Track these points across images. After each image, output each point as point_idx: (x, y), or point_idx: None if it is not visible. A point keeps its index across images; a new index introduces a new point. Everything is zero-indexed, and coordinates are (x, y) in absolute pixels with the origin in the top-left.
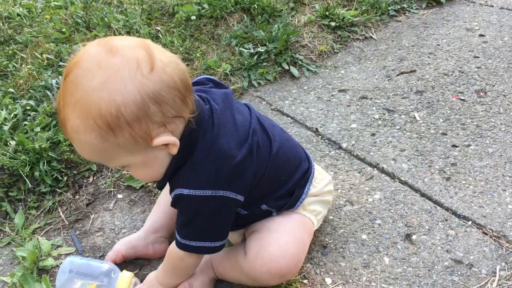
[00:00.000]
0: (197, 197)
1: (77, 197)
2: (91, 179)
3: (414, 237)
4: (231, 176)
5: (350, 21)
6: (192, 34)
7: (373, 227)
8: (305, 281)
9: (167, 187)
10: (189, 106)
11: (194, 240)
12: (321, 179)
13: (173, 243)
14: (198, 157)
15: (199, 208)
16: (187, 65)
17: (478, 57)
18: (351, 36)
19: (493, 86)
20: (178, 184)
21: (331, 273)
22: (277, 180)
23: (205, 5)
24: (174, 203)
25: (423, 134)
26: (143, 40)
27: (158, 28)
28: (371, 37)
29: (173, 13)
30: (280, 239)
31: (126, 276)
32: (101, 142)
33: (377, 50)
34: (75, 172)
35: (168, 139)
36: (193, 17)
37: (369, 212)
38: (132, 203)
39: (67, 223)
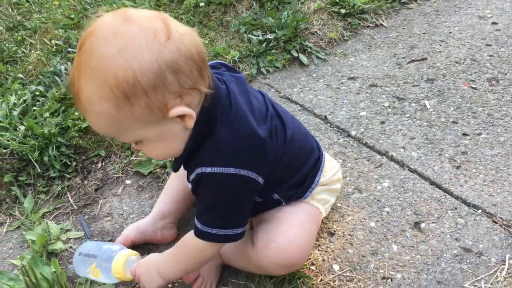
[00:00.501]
0: (220, 175)
1: (85, 182)
2: (99, 165)
3: (423, 225)
4: (254, 156)
5: (360, 8)
6: (201, 20)
7: (382, 215)
8: (313, 267)
9: (179, 174)
10: (205, 80)
11: (217, 227)
12: (330, 168)
13: (190, 233)
14: (219, 135)
15: (222, 188)
16: None
17: (490, 45)
18: (361, 24)
19: (505, 74)
20: (200, 163)
21: (339, 260)
22: (291, 167)
23: None
24: (195, 185)
25: (433, 123)
26: (159, 12)
27: (167, 14)
28: (382, 24)
29: (182, 0)
30: (289, 230)
31: (123, 254)
32: (117, 112)
33: (387, 38)
34: (83, 157)
35: (184, 110)
36: (202, 4)
37: (378, 200)
38: (140, 188)
39: (76, 207)
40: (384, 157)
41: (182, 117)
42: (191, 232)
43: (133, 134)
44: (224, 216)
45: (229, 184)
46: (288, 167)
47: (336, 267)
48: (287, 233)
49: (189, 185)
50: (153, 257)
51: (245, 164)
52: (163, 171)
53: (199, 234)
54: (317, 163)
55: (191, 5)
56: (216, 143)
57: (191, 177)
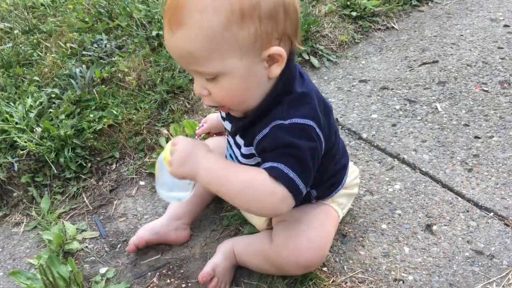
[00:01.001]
0: (300, 124)
1: (100, 183)
2: (114, 166)
3: (434, 227)
4: (325, 120)
5: (371, 11)
6: None
7: (393, 217)
8: (325, 269)
9: None
10: (298, 37)
11: (292, 169)
12: (352, 172)
13: (262, 172)
14: (297, 92)
15: (302, 134)
16: None
17: (502, 48)
18: (373, 26)
19: None
20: (275, 118)
21: (351, 261)
22: (334, 159)
23: None
24: (270, 139)
25: (445, 125)
26: None
27: None
28: (393, 27)
29: None
30: (309, 231)
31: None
32: (223, 30)
33: (398, 41)
34: (98, 159)
35: (281, 52)
36: None
37: (389, 202)
38: (153, 190)
39: (91, 208)
40: (395, 159)
41: (271, 62)
42: (265, 172)
43: (221, 62)
44: (300, 163)
45: (309, 132)
46: (332, 157)
47: (348, 268)
48: (307, 233)
49: (237, 152)
50: (208, 155)
51: (319, 124)
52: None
53: (275, 171)
54: (347, 165)
55: None
56: (296, 99)
57: (262, 133)
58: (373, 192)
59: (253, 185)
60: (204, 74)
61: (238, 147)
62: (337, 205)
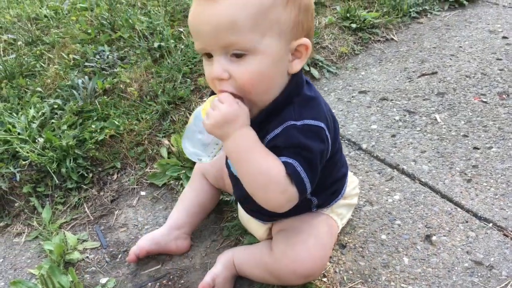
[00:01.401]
0: (311, 126)
1: (101, 193)
2: (115, 176)
3: (434, 238)
4: (331, 123)
5: (371, 22)
6: None
7: (393, 228)
8: (325, 279)
9: (194, 187)
10: (312, 38)
11: (304, 170)
12: (351, 182)
13: (280, 165)
14: (306, 95)
15: (314, 136)
16: None
17: (501, 59)
18: (372, 38)
19: None
20: (286, 118)
21: (350, 272)
22: (336, 166)
23: None
24: (282, 139)
25: (444, 136)
26: None
27: (181, 29)
28: (392, 38)
29: None
30: (308, 241)
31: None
32: (270, 6)
33: (398, 52)
34: (100, 169)
35: (309, 44)
36: None
37: (389, 213)
38: (154, 200)
39: (92, 218)
40: (395, 170)
41: (295, 56)
42: (282, 166)
43: (260, 37)
44: (309, 163)
45: (319, 134)
46: (335, 164)
47: (347, 279)
48: (306, 243)
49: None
50: (243, 128)
51: (328, 127)
52: (177, 183)
53: (289, 166)
54: (346, 174)
55: None
56: (306, 101)
57: (273, 133)
58: (373, 202)
59: (269, 175)
60: (238, 45)
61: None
62: (337, 216)
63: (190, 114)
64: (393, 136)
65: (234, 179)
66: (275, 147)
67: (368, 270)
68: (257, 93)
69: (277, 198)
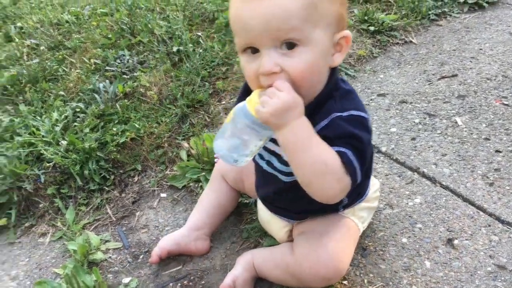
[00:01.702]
0: (357, 116)
1: (123, 195)
2: (136, 178)
3: (456, 241)
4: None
5: (389, 25)
6: (232, 39)
7: (414, 231)
8: (345, 282)
9: (214, 189)
10: None
11: (356, 159)
12: (373, 184)
13: (335, 154)
14: (344, 89)
15: (361, 126)
16: (227, 69)
17: None
18: (391, 41)
19: None
20: (331, 110)
21: (371, 275)
22: (369, 166)
23: None
24: (332, 130)
25: (465, 139)
26: None
27: (199, 33)
28: (411, 41)
29: (213, 19)
30: (330, 243)
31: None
32: (320, 1)
33: (417, 55)
34: (121, 171)
35: (350, 36)
36: None
37: (409, 216)
38: (174, 202)
39: (114, 219)
40: (415, 173)
41: (336, 49)
42: (337, 155)
43: (312, 29)
44: (360, 156)
45: (366, 125)
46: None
47: (368, 282)
48: (328, 246)
49: (276, 161)
50: (301, 117)
51: (368, 118)
52: (196, 185)
53: (344, 155)
54: (370, 176)
55: (222, 24)
56: (345, 94)
57: (320, 125)
58: (393, 205)
59: (326, 163)
60: (291, 34)
61: (280, 159)
62: (358, 219)
63: (208, 117)
64: (413, 139)
65: (263, 176)
66: (326, 138)
67: (389, 273)
68: (307, 86)
69: (333, 187)
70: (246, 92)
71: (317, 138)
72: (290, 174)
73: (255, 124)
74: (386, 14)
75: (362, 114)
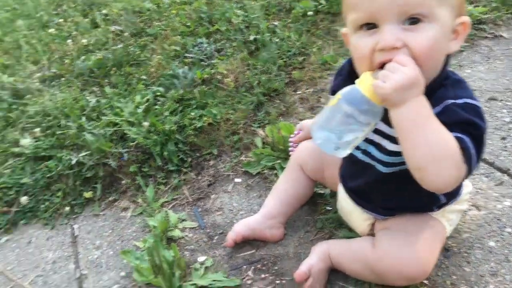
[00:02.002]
0: (472, 105)
1: (199, 177)
2: (211, 162)
3: None
4: None
5: (478, 18)
6: (309, 29)
7: (502, 235)
8: (426, 281)
9: (290, 178)
10: None
11: (473, 147)
12: (466, 186)
13: (454, 139)
14: (454, 79)
15: (477, 114)
16: (304, 59)
17: None
18: (479, 34)
19: None
20: (444, 97)
21: (454, 277)
22: None
23: (322, 1)
24: (442, 114)
25: None
26: None
27: (275, 23)
28: (501, 35)
29: (290, 9)
30: (417, 244)
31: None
32: None
33: (508, 50)
34: (198, 154)
35: (469, 22)
36: (310, 13)
37: (498, 219)
38: (249, 187)
39: (190, 200)
40: (505, 174)
41: (453, 36)
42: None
43: (438, 6)
44: (478, 144)
45: (481, 114)
46: None
47: (451, 284)
48: (414, 245)
49: (378, 153)
50: (422, 94)
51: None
52: (271, 173)
53: (464, 143)
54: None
55: (299, 14)
56: (456, 82)
57: (434, 110)
58: (480, 207)
59: (447, 146)
60: (417, 9)
61: (380, 148)
62: (447, 221)
63: (284, 106)
64: (503, 138)
65: (356, 166)
66: (442, 123)
67: (474, 277)
68: (427, 66)
69: (451, 174)
70: (346, 77)
71: (436, 119)
72: (390, 164)
73: (367, 105)
74: (475, 7)
75: (477, 103)
